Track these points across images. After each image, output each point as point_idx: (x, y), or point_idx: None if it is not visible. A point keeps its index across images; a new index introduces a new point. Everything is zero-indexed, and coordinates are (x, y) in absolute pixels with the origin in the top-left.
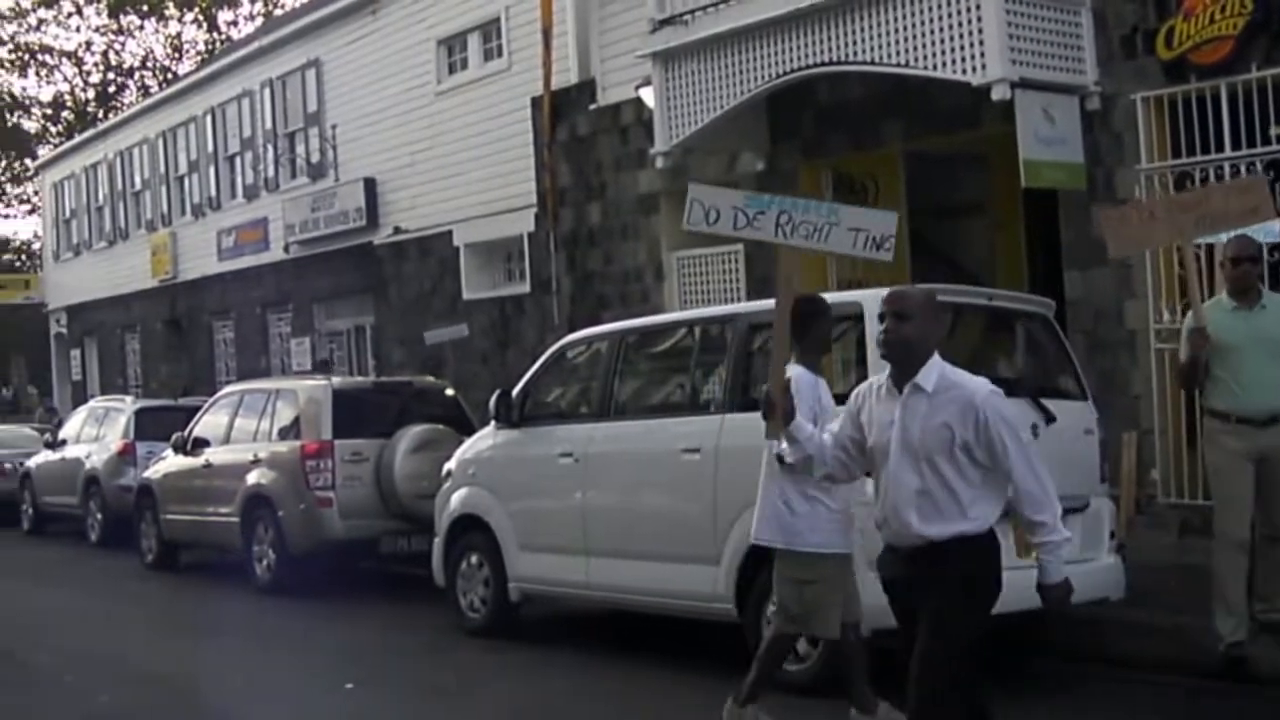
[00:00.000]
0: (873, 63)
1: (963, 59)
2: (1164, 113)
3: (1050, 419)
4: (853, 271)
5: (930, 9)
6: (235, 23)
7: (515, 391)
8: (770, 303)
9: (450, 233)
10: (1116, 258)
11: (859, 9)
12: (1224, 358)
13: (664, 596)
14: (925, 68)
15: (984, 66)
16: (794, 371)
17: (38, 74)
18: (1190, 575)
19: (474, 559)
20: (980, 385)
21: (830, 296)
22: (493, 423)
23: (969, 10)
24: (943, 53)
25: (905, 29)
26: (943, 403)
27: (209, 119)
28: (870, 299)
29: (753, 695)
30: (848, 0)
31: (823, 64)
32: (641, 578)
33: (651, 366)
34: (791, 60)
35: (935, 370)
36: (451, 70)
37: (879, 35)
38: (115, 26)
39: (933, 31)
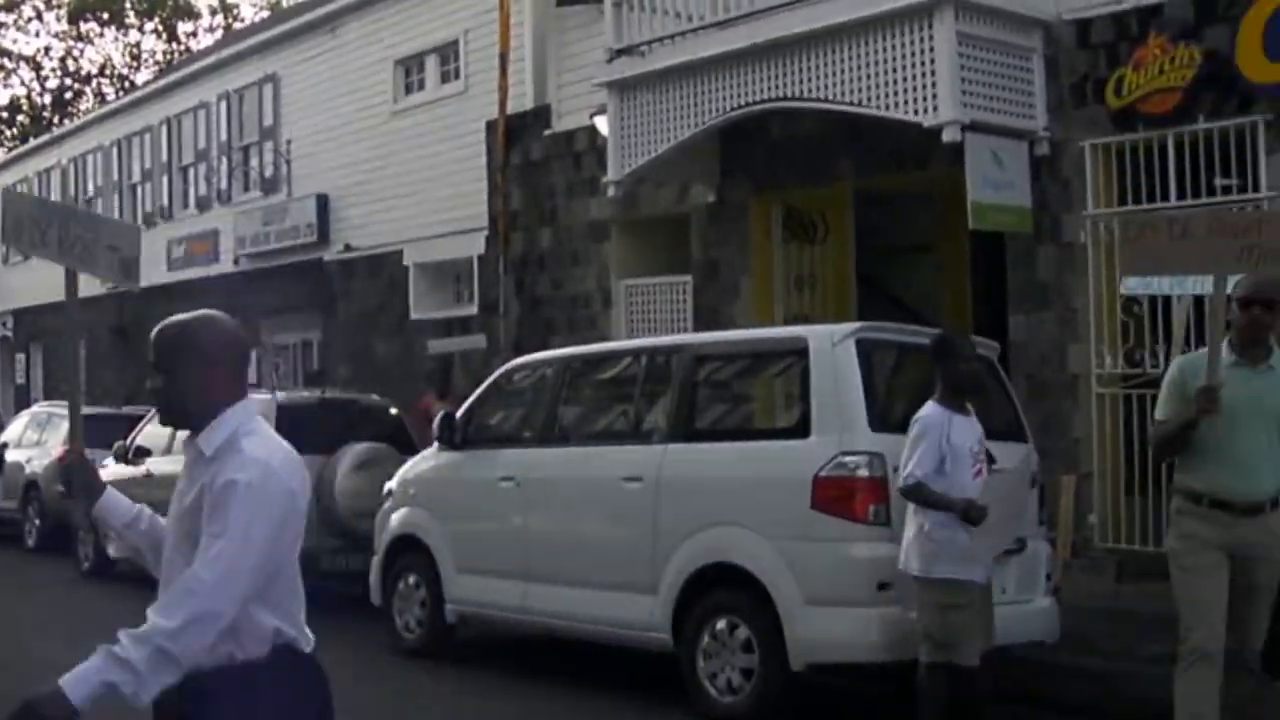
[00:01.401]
0: (826, 100)
1: (915, 100)
2: (1111, 160)
3: (991, 461)
4: (799, 307)
5: (884, 50)
6: (195, 34)
7: (459, 414)
8: (721, 334)
9: (400, 252)
10: (1129, 274)
11: (814, 47)
12: (1209, 424)
13: (601, 624)
14: (878, 107)
15: (935, 108)
16: (924, 410)
17: None
18: (1125, 620)
19: (411, 579)
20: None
21: (771, 332)
22: (435, 444)
23: (923, 52)
24: (895, 93)
25: (859, 68)
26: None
27: (164, 129)
28: (817, 335)
29: None
30: (803, 38)
31: (776, 99)
32: (579, 604)
33: (596, 394)
34: (746, 95)
35: (225, 429)
36: (408, 90)
37: (833, 73)
38: (75, 33)
39: (886, 72)
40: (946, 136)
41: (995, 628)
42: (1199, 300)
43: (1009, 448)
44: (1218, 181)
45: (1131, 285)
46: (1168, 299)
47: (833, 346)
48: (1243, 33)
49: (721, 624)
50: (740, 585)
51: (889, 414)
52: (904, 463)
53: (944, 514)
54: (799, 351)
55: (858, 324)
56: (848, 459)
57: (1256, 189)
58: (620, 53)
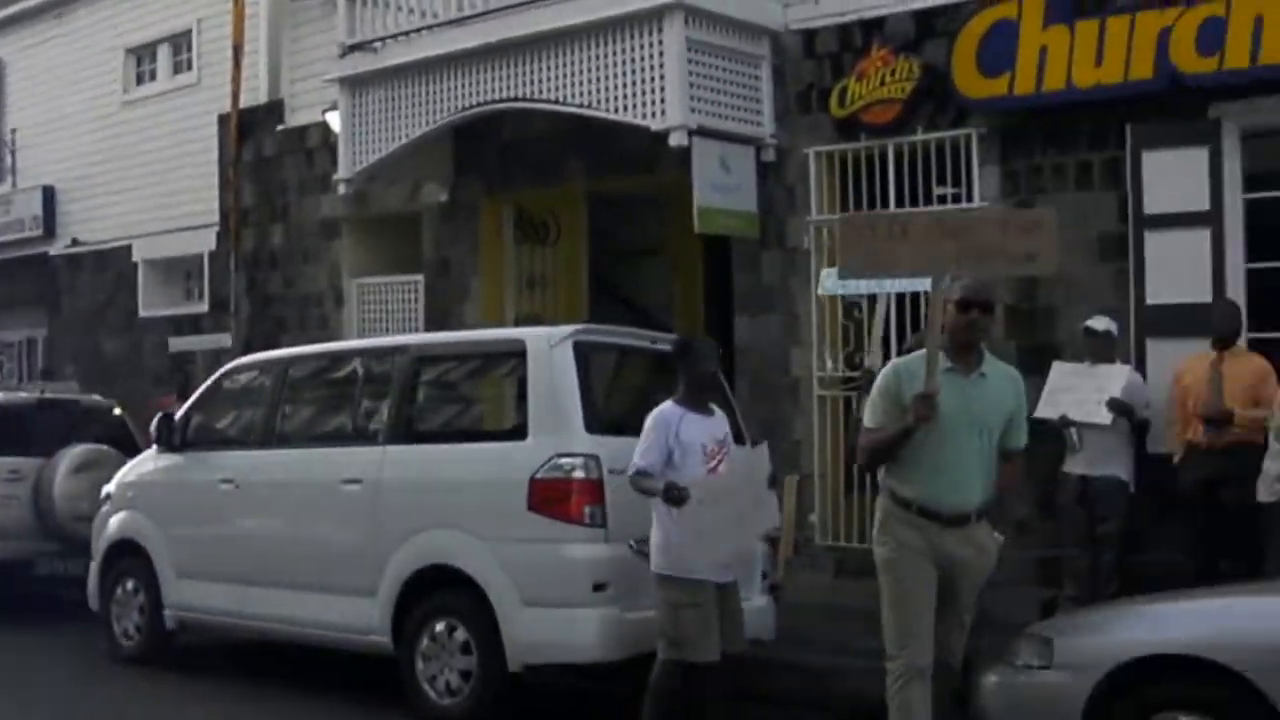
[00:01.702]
0: (557, 102)
1: (643, 104)
2: (835, 168)
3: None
4: (531, 307)
5: (614, 53)
6: None
7: (178, 415)
8: (441, 336)
9: (129, 247)
10: (850, 276)
11: (546, 48)
12: (923, 432)
13: (322, 628)
14: (607, 110)
15: (664, 113)
16: (661, 406)
17: None
18: (842, 616)
19: (130, 585)
20: None
21: (491, 333)
22: (154, 446)
23: (652, 57)
24: (625, 97)
25: (590, 71)
26: None
27: None
28: (534, 337)
29: None
30: (536, 39)
31: (508, 100)
32: (300, 608)
33: (316, 395)
34: (478, 94)
35: None
36: (139, 81)
37: (564, 75)
38: None
39: (616, 75)
40: (673, 141)
41: (743, 628)
42: (900, 302)
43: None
44: (936, 191)
45: (829, 287)
46: (890, 300)
47: (550, 349)
48: (958, 49)
49: (440, 626)
50: (459, 587)
51: (607, 416)
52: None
53: (669, 516)
54: (517, 353)
55: (576, 326)
56: (563, 460)
57: (971, 199)
58: (353, 48)
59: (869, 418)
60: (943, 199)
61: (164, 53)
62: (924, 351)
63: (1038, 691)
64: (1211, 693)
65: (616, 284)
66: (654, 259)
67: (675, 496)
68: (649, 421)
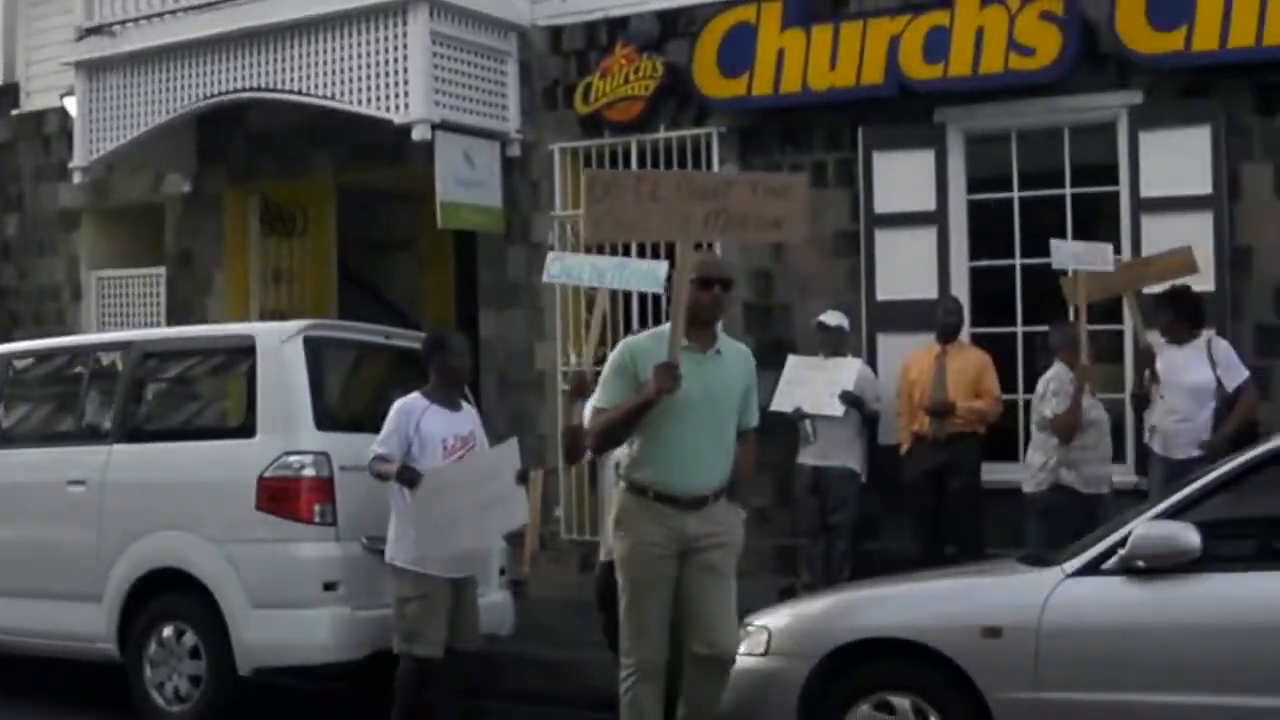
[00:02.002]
0: (301, 93)
1: (387, 97)
2: (579, 164)
3: None
4: (277, 301)
5: (358, 45)
6: None
7: None
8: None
9: None
10: (592, 242)
11: (290, 38)
12: (662, 412)
13: (49, 637)
14: (351, 102)
15: (407, 106)
16: (406, 397)
17: None
18: (585, 610)
19: None
20: None
21: (221, 328)
22: None
23: (396, 50)
24: (369, 89)
25: (334, 62)
26: None
27: None
28: (264, 332)
29: None
30: (280, 27)
31: (251, 89)
32: (23, 616)
33: (41, 392)
34: (220, 83)
35: None
36: None
37: (308, 66)
38: None
39: (361, 67)
40: (416, 135)
41: (478, 624)
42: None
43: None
44: None
45: (554, 274)
46: (629, 299)
47: (281, 344)
48: (699, 50)
49: (168, 631)
50: (187, 591)
51: (341, 413)
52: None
53: (405, 507)
54: (247, 349)
55: (308, 321)
56: (292, 459)
57: None
58: (90, 31)
59: (600, 398)
60: None
61: None
62: (657, 330)
63: (756, 679)
64: (919, 673)
65: (367, 278)
66: (405, 253)
67: (408, 478)
68: (392, 411)
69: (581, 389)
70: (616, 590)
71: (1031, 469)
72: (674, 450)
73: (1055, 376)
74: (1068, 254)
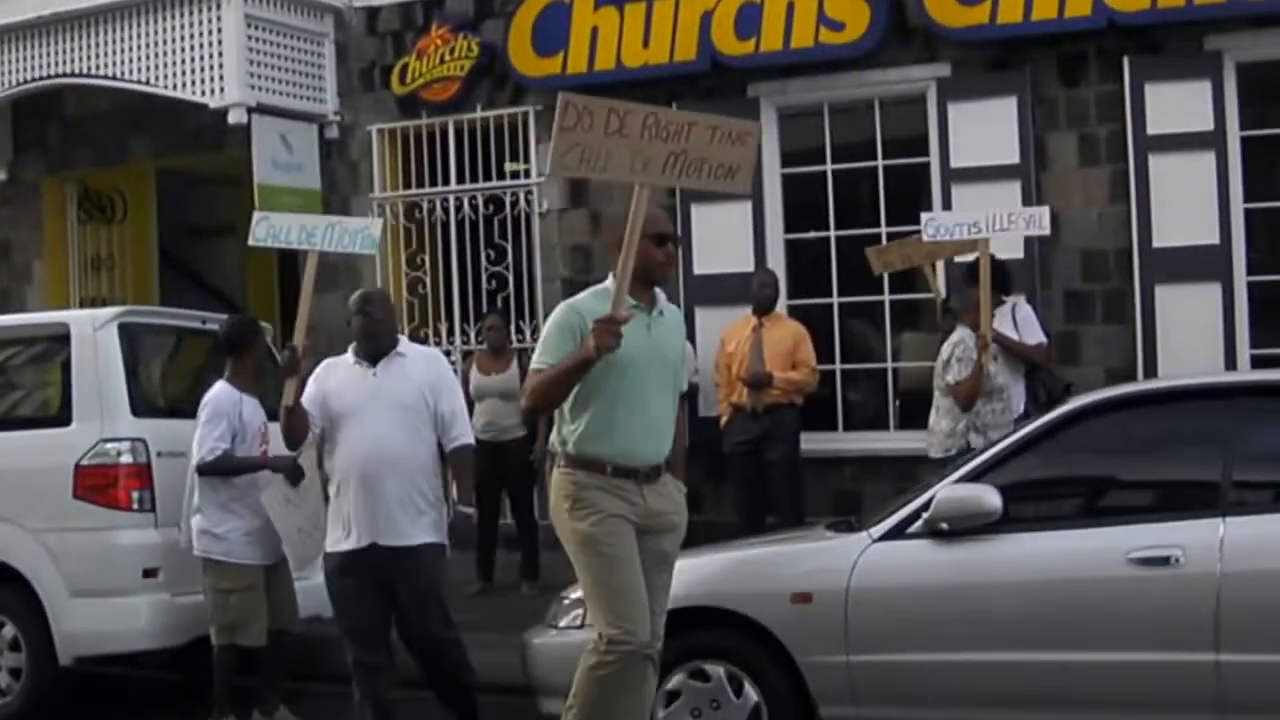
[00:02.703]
0: (116, 78)
1: (202, 81)
2: (398, 145)
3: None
4: (98, 289)
5: (172, 29)
6: None
7: None
8: None
9: None
10: (563, 172)
11: (103, 23)
12: (612, 377)
13: None
14: (166, 87)
15: (222, 90)
16: (215, 390)
17: None
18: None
19: None
20: None
21: (35, 317)
22: None
23: (210, 33)
24: (184, 73)
25: (148, 46)
26: None
27: None
28: (78, 320)
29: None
30: (93, 12)
31: (65, 75)
32: None
33: None
34: (33, 69)
35: None
36: None
37: (123, 50)
38: None
39: (175, 51)
40: (232, 119)
41: (295, 608)
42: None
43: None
44: (508, 166)
45: (260, 237)
46: (450, 280)
47: (94, 331)
48: (514, 29)
49: None
50: (5, 582)
51: (159, 399)
52: (199, 441)
53: (218, 496)
54: (61, 337)
55: (122, 308)
56: (109, 446)
57: (529, 175)
58: None
59: (541, 358)
60: (515, 175)
61: None
62: (598, 288)
63: (575, 652)
64: (733, 641)
65: (188, 263)
66: (227, 237)
67: (298, 475)
68: (211, 407)
69: (294, 368)
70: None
71: (938, 435)
72: (628, 417)
73: (960, 341)
74: (941, 225)
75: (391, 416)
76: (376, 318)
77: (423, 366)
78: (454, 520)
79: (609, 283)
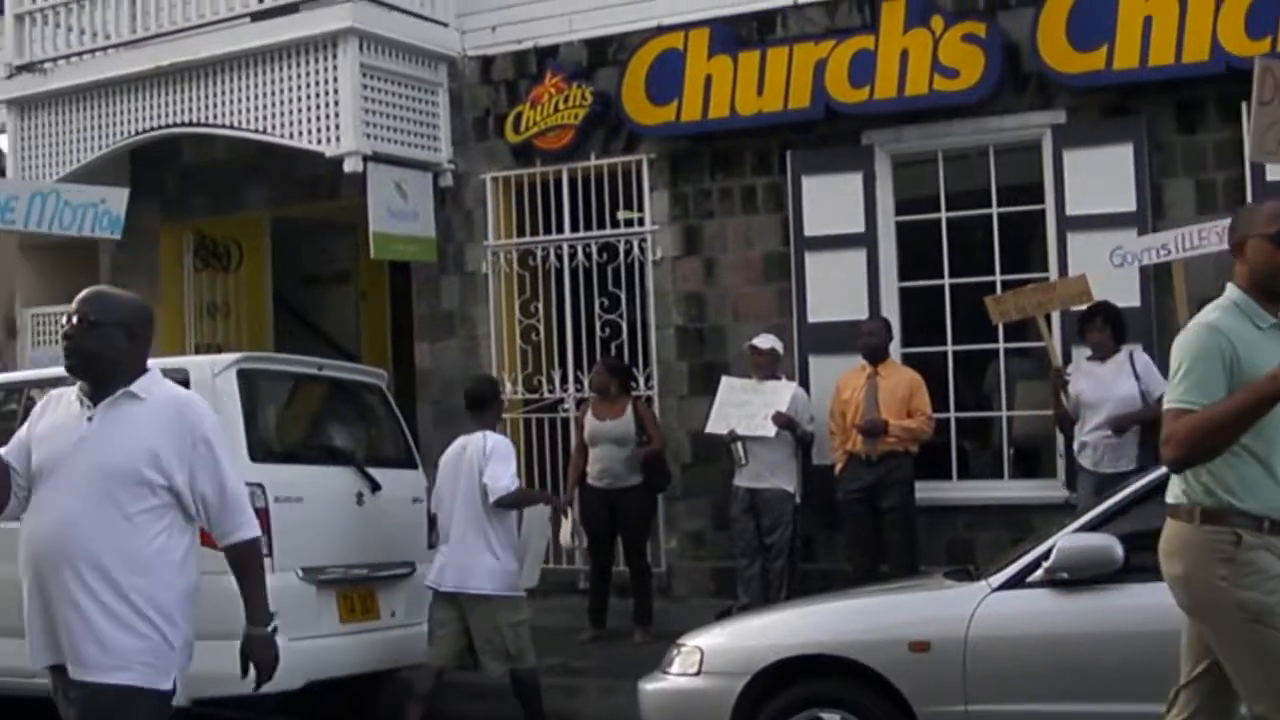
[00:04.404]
0: (232, 127)
1: (319, 130)
2: (511, 193)
3: (376, 487)
4: (213, 335)
5: (289, 79)
6: None
7: None
8: None
9: None
10: (1256, 159)
11: (221, 72)
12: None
13: None
14: (283, 136)
15: (338, 139)
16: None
17: None
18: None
19: None
20: None
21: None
22: None
23: (326, 83)
24: (300, 122)
25: (265, 95)
26: None
27: None
28: (198, 365)
29: None
30: (211, 62)
31: (183, 124)
32: None
33: None
34: (152, 118)
35: None
36: None
37: (240, 100)
38: None
39: (291, 100)
40: (348, 167)
41: None
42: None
43: (399, 475)
44: (620, 214)
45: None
46: (563, 327)
47: (213, 377)
48: (628, 77)
49: None
50: None
51: (275, 444)
52: (496, 477)
53: (511, 536)
54: (180, 383)
55: (241, 354)
56: None
57: (643, 223)
58: (21, 69)
59: (1184, 393)
60: (629, 222)
61: None
62: (1226, 300)
63: (689, 699)
64: (849, 690)
65: (306, 311)
66: (340, 285)
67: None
68: (505, 448)
69: None
70: None
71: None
72: (1269, 466)
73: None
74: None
75: (88, 488)
76: (89, 328)
77: (165, 419)
78: (245, 642)
79: (1231, 292)
